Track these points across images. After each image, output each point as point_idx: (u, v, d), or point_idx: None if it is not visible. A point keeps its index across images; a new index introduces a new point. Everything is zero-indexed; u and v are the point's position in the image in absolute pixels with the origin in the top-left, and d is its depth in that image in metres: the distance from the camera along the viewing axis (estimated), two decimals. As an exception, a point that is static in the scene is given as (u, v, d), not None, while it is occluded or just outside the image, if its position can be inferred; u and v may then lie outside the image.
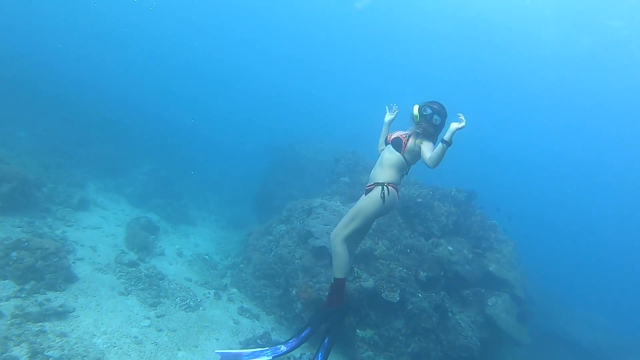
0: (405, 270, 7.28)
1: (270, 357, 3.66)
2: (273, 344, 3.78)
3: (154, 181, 13.43)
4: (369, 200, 3.67)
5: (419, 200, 8.41)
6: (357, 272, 6.85)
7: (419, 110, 3.75)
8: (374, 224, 8.09)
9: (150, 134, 18.50)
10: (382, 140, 4.33)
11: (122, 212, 10.85)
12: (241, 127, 33.76)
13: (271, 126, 33.42)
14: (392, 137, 3.94)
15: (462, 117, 3.39)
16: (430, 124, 3.70)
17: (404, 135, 3.85)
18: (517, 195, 31.21)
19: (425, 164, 3.55)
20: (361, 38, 35.38)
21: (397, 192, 3.78)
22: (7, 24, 23.60)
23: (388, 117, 4.31)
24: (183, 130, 22.74)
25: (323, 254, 7.26)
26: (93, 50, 29.07)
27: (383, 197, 3.60)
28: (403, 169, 3.87)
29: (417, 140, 3.69)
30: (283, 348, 3.72)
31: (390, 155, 3.84)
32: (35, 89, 15.81)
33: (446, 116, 3.74)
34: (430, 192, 8.90)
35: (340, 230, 3.60)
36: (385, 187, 3.64)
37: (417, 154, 3.79)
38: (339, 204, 8.50)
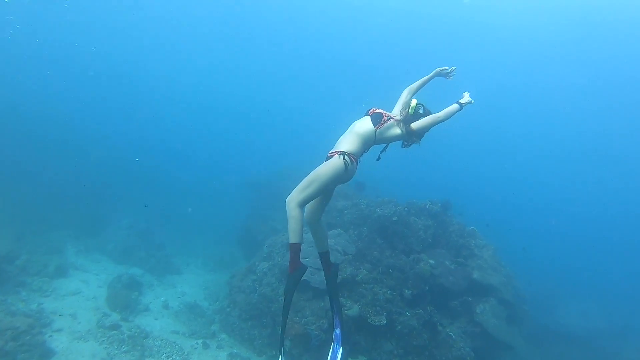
0: (389, 291, 7.28)
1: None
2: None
3: (135, 235, 13.23)
4: (328, 166, 3.61)
5: (395, 218, 8.48)
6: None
7: (416, 106, 3.86)
8: (354, 242, 8.21)
9: (126, 186, 18.24)
10: (417, 85, 4.29)
11: (104, 271, 10.66)
12: (220, 162, 33.08)
13: (250, 156, 33.01)
14: (374, 111, 3.95)
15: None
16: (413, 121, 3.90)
17: (387, 115, 3.89)
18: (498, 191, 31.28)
19: (435, 120, 3.81)
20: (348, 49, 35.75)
21: (357, 164, 3.78)
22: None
23: (441, 71, 4.19)
24: (159, 177, 22.36)
25: (305, 287, 7.24)
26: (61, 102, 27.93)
27: (346, 165, 3.58)
28: (369, 144, 3.88)
29: (405, 125, 3.84)
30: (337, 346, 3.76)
31: (363, 125, 3.84)
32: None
33: None
34: (406, 209, 8.97)
35: (296, 195, 3.48)
36: (347, 156, 3.62)
37: (386, 138, 3.88)
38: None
